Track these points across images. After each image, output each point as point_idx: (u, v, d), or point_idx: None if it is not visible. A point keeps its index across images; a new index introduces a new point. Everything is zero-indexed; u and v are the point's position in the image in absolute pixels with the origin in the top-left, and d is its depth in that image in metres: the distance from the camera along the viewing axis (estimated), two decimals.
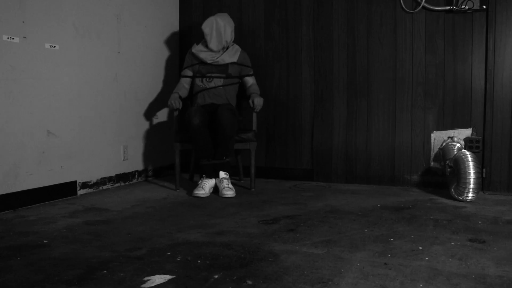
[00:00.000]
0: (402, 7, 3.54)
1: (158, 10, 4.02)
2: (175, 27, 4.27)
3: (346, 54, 3.73)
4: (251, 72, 3.64)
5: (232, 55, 3.57)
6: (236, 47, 3.63)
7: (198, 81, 3.58)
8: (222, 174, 3.28)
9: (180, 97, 3.46)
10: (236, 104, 3.69)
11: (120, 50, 3.58)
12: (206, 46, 3.54)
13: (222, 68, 3.54)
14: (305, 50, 3.86)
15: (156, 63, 4.03)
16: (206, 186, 3.21)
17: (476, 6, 3.29)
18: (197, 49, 3.57)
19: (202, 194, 3.15)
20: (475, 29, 3.37)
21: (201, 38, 3.66)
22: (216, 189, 3.30)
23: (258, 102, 3.38)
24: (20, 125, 2.78)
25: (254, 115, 3.53)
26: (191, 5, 4.25)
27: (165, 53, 4.14)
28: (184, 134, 3.38)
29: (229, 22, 3.54)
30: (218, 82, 3.54)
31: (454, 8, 3.37)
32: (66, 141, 3.11)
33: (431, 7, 3.46)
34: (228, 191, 3.16)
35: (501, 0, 3.28)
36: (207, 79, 3.54)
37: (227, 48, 3.57)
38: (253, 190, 3.41)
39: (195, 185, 3.50)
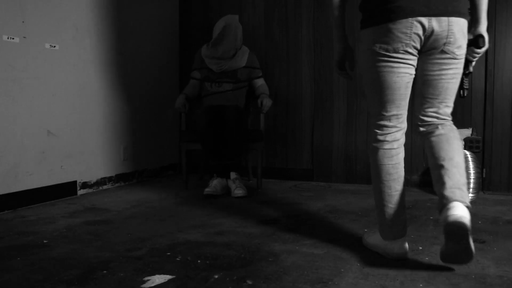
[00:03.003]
0: None
1: (158, 10, 4.03)
2: (175, 27, 4.27)
3: None
4: (260, 74, 3.58)
5: (240, 60, 3.47)
6: (244, 48, 3.55)
7: (207, 84, 3.51)
8: (233, 174, 3.28)
9: (187, 98, 3.45)
10: (245, 104, 3.64)
11: (120, 50, 3.58)
12: (213, 47, 3.42)
13: (231, 74, 3.48)
14: (305, 50, 3.85)
15: (156, 63, 4.03)
16: (218, 185, 3.20)
17: None
18: (205, 54, 3.48)
19: (214, 192, 3.14)
20: None
21: (201, 37, 3.64)
22: (228, 190, 3.30)
23: (266, 103, 3.34)
24: (20, 125, 2.78)
25: (262, 115, 3.52)
26: (191, 5, 4.25)
27: (165, 53, 4.14)
28: (191, 135, 3.38)
29: (239, 26, 3.45)
30: (227, 86, 3.46)
31: None
32: (66, 141, 3.11)
33: None
34: (239, 190, 3.15)
35: (501, 0, 3.28)
36: (216, 84, 3.48)
37: (235, 52, 3.47)
38: (259, 190, 3.42)
39: (201, 184, 3.52)
